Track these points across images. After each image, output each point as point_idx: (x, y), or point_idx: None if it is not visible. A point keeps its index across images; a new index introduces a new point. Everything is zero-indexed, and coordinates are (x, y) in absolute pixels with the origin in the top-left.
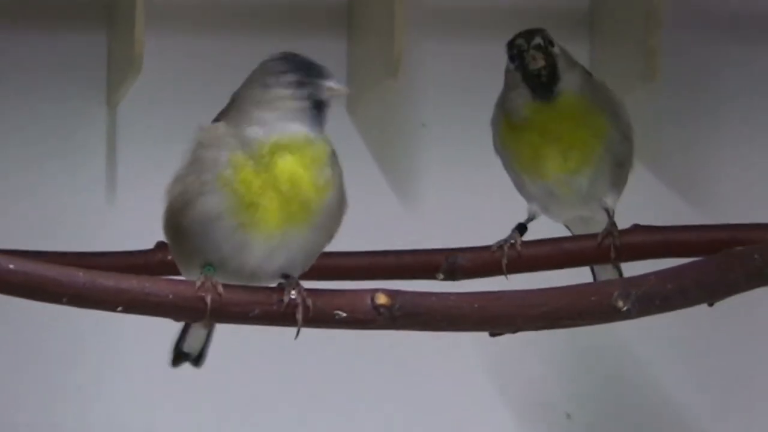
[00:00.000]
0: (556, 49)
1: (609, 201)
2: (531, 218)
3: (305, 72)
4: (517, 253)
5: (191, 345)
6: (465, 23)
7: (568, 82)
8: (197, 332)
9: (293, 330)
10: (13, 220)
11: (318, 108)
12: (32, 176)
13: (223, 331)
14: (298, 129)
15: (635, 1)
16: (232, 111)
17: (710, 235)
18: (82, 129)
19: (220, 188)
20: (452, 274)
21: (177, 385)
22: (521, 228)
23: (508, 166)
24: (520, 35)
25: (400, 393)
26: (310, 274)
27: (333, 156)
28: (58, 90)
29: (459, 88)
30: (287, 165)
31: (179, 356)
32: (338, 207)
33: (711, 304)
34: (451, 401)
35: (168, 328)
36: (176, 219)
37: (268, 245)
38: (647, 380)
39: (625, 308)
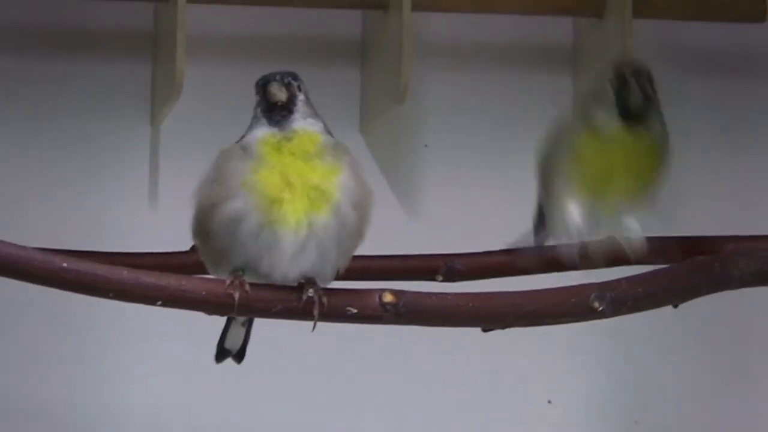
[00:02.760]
0: (655, 97)
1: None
2: (575, 239)
3: (258, 86)
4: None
5: (232, 342)
6: (463, 58)
7: (655, 127)
8: (236, 330)
9: (311, 324)
10: (68, 223)
11: (272, 111)
12: (86, 185)
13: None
14: (265, 131)
15: (611, 41)
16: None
17: (678, 246)
18: (129, 145)
19: (245, 191)
20: (450, 277)
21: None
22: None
23: (565, 183)
24: (628, 65)
25: (401, 382)
26: None
27: (334, 146)
28: (110, 111)
29: (457, 114)
30: (289, 161)
31: (222, 352)
32: (357, 193)
33: (676, 306)
34: (444, 388)
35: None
36: (204, 222)
37: (296, 238)
38: (621, 367)
39: (600, 309)
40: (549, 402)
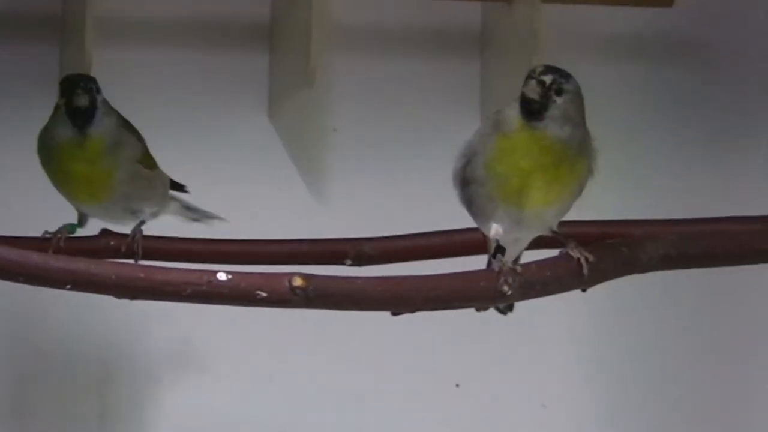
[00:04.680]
0: (558, 100)
1: (555, 225)
2: (497, 242)
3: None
4: (521, 278)
5: None
6: (371, 41)
7: (553, 128)
8: None
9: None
10: None
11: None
12: None
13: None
14: (65, 132)
15: (520, 25)
16: None
17: (585, 230)
18: (36, 131)
19: None
20: (359, 261)
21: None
22: (501, 251)
23: (485, 195)
24: (542, 67)
25: (307, 362)
26: (234, 259)
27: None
28: (14, 96)
29: (366, 97)
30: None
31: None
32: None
33: (584, 290)
34: (352, 371)
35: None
36: None
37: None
38: (531, 351)
39: (509, 292)
40: (457, 386)
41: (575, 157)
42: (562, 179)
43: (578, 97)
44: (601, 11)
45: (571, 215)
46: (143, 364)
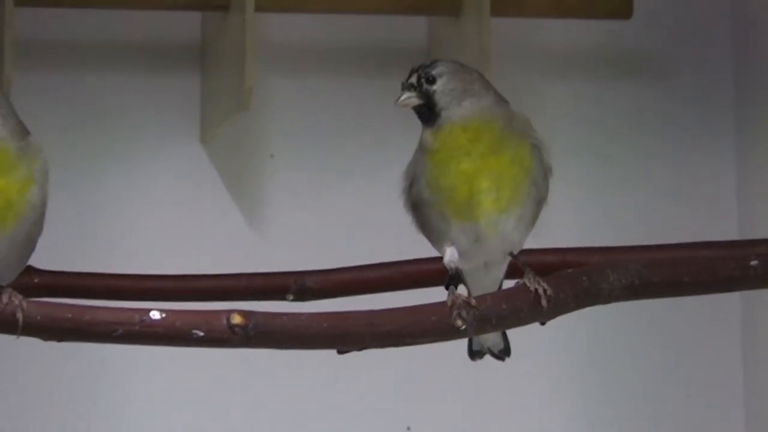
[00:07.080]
0: (435, 87)
1: (519, 245)
2: (453, 272)
3: None
4: (475, 311)
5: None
6: (310, 61)
7: (453, 113)
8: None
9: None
10: None
11: None
12: None
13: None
14: None
15: (469, 40)
16: None
17: (543, 258)
18: None
19: None
20: (301, 295)
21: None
22: (454, 283)
23: (436, 214)
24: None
25: (248, 404)
26: (167, 295)
27: (24, 150)
28: None
29: (304, 121)
30: None
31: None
32: (41, 205)
33: (543, 323)
34: (297, 413)
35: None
36: None
37: None
38: (483, 392)
39: (463, 327)
40: (408, 429)
41: (510, 136)
42: (508, 171)
43: (459, 74)
44: (555, 24)
45: (528, 243)
46: None
